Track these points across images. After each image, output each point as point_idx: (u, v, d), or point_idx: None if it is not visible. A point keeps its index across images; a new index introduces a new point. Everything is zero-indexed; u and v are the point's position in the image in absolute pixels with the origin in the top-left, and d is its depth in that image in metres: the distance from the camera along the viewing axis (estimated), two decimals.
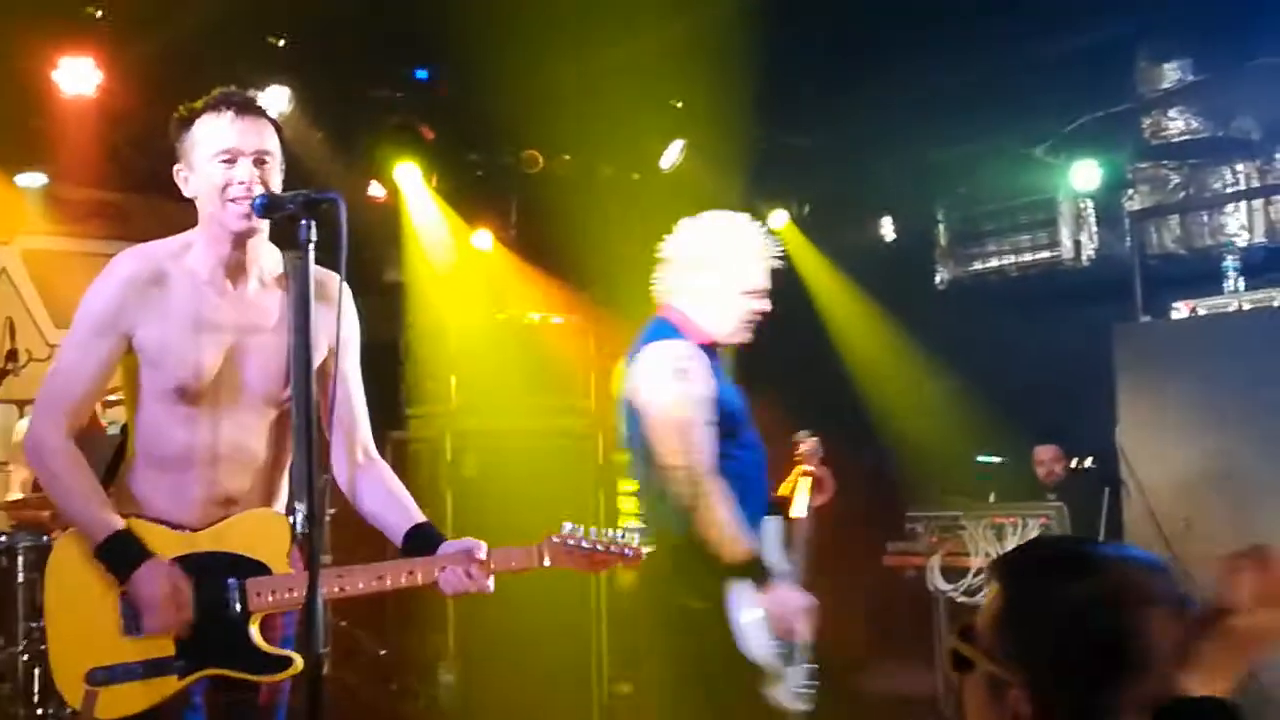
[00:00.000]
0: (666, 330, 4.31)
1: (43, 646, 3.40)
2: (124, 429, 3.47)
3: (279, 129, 3.41)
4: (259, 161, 3.30)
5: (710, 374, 4.24)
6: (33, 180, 8.41)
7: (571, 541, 3.39)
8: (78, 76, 6.79)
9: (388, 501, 3.56)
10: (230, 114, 3.30)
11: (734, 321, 4.36)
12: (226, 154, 3.28)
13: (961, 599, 7.28)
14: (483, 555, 3.34)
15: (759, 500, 4.32)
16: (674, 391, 4.19)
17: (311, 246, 3.09)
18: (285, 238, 3.40)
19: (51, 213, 8.86)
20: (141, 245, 3.42)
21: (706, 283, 4.34)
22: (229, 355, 3.36)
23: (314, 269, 3.28)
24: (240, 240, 3.34)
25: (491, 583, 3.38)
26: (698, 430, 4.14)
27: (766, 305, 4.37)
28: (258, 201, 3.22)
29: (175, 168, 3.38)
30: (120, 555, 3.24)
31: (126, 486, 3.40)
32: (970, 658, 1.85)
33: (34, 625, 6.27)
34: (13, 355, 7.75)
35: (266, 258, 3.45)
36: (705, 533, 4.08)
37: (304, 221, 3.09)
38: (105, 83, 6.86)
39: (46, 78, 6.79)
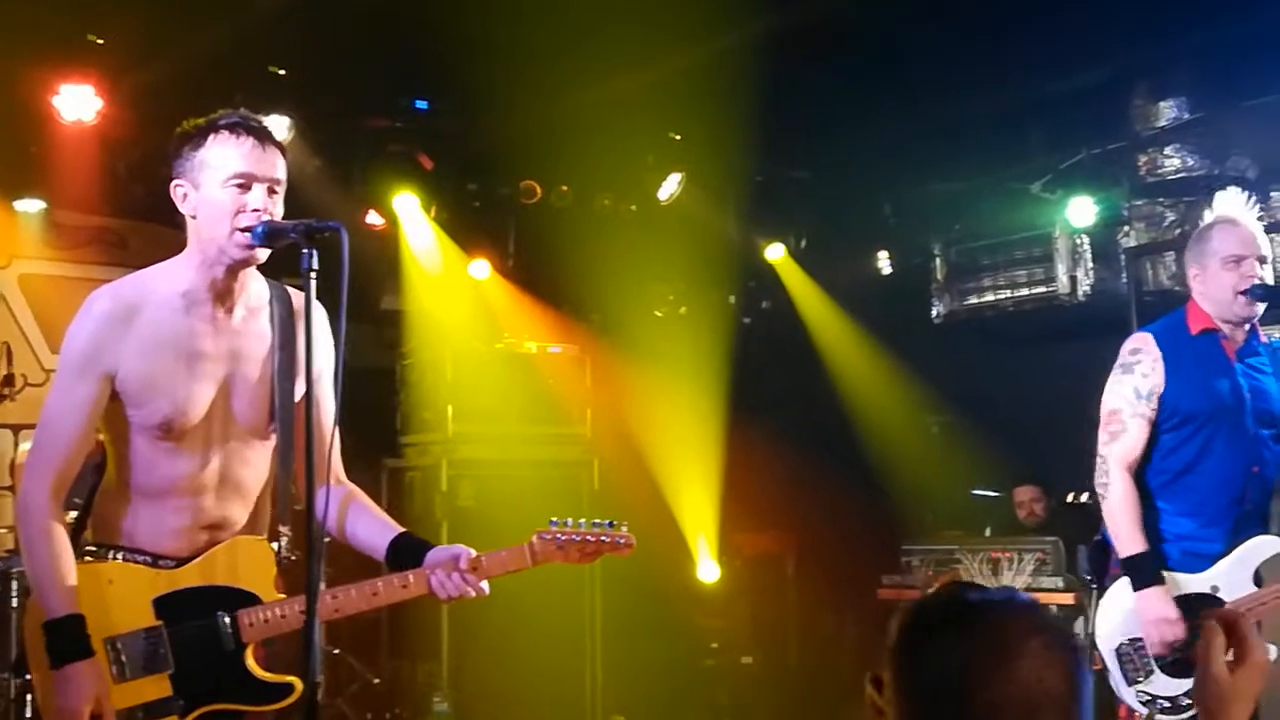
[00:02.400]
0: (1155, 323, 4.53)
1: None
2: (103, 457, 3.40)
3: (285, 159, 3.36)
4: (271, 190, 3.25)
5: (1161, 366, 4.36)
6: (31, 205, 8.41)
7: (562, 536, 3.46)
8: (78, 103, 6.79)
9: (367, 521, 3.54)
10: (251, 140, 3.24)
11: (1222, 298, 4.40)
12: (241, 179, 3.21)
13: None
14: (466, 562, 3.36)
15: (1211, 502, 4.35)
16: (1113, 382, 4.44)
17: (314, 275, 3.05)
18: (274, 265, 3.39)
19: (49, 238, 8.87)
20: (116, 281, 3.34)
21: (1192, 266, 4.49)
22: (221, 386, 3.31)
23: (297, 304, 3.31)
24: (237, 268, 3.28)
25: (487, 585, 3.39)
26: (1120, 423, 4.37)
27: (1254, 271, 4.38)
28: (259, 229, 3.17)
29: (174, 183, 3.29)
30: (62, 640, 3.17)
31: (108, 518, 3.35)
32: (880, 707, 1.90)
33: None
34: (9, 380, 7.75)
35: (253, 284, 3.39)
36: (1107, 521, 4.38)
37: (306, 250, 3.04)
38: (105, 109, 6.87)
39: (47, 104, 6.80)
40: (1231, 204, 4.56)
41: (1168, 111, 7.36)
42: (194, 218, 3.28)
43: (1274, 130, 7.21)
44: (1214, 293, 4.41)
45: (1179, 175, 7.51)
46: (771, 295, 9.66)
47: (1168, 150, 7.50)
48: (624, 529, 3.52)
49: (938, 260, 8.97)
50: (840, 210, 9.13)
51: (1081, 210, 7.98)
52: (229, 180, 3.21)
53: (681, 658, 8.81)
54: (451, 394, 8.14)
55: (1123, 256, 7.98)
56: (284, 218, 3.28)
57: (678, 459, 8.93)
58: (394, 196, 8.21)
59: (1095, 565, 4.51)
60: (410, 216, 8.38)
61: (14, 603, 6.54)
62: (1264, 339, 4.55)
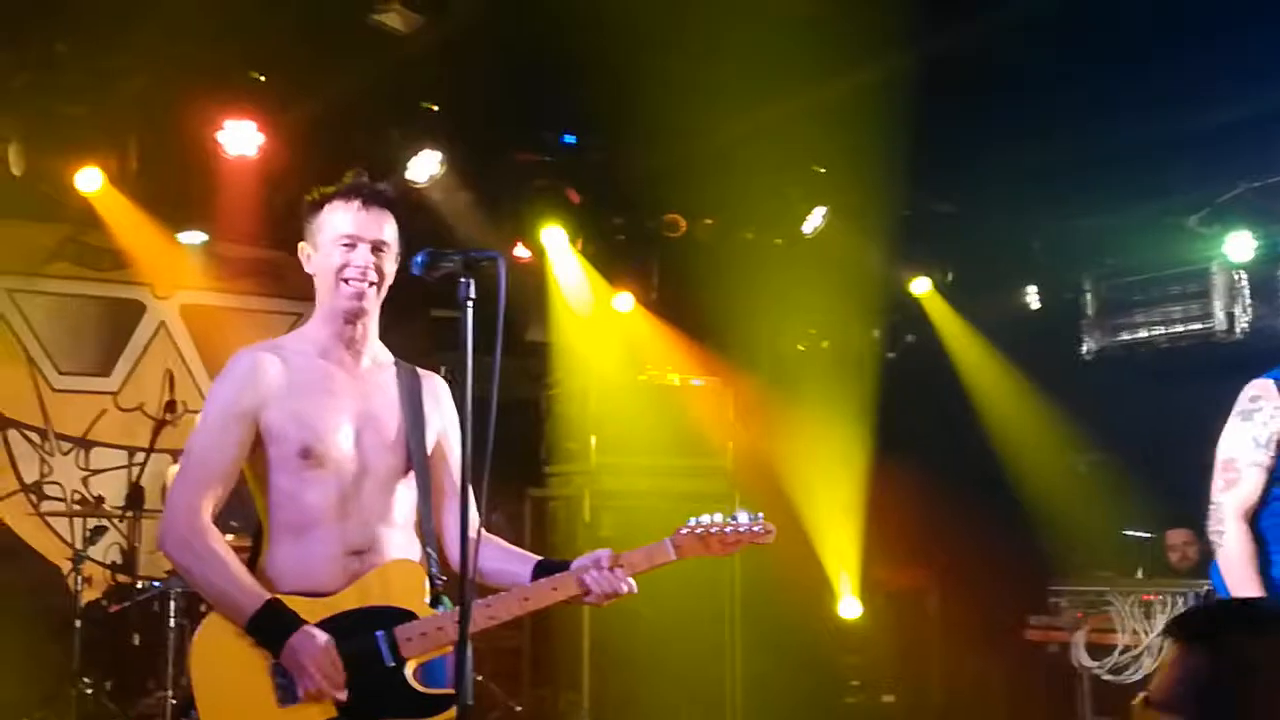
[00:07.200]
0: (1276, 369, 4.45)
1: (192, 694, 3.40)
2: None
3: (400, 221, 3.59)
4: (376, 249, 3.51)
5: None
6: (194, 238, 8.70)
7: (700, 529, 3.56)
8: (241, 138, 7.03)
9: (505, 556, 3.66)
10: (358, 203, 3.52)
11: None
12: (348, 239, 3.49)
13: (1107, 677, 7.09)
14: (609, 559, 3.50)
15: None
16: (1231, 429, 4.41)
17: (470, 303, 3.14)
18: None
19: (210, 269, 9.18)
20: (254, 345, 3.61)
21: None
22: (354, 420, 3.51)
23: (422, 374, 3.61)
24: (351, 318, 3.52)
25: (634, 583, 3.52)
26: (1236, 471, 4.34)
27: None
28: (419, 258, 3.24)
29: (300, 245, 3.60)
30: (272, 627, 3.31)
31: (263, 569, 3.47)
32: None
33: (183, 671, 6.44)
34: (170, 407, 8.04)
35: (377, 344, 3.64)
36: (1223, 569, 4.30)
37: (464, 280, 3.16)
38: (266, 144, 7.09)
39: (211, 139, 7.04)
40: None
41: None
42: (314, 275, 3.59)
43: None
44: None
45: None
46: (917, 329, 9.57)
47: None
48: (760, 517, 3.60)
49: (1088, 295, 8.80)
50: (987, 244, 9.01)
51: (1240, 245, 7.78)
52: (337, 241, 3.52)
53: (823, 694, 8.73)
54: (595, 425, 8.21)
55: None
56: (440, 249, 3.32)
57: (820, 493, 8.87)
58: (541, 229, 8.33)
59: None
60: (557, 249, 8.50)
61: (171, 622, 6.76)
62: None
